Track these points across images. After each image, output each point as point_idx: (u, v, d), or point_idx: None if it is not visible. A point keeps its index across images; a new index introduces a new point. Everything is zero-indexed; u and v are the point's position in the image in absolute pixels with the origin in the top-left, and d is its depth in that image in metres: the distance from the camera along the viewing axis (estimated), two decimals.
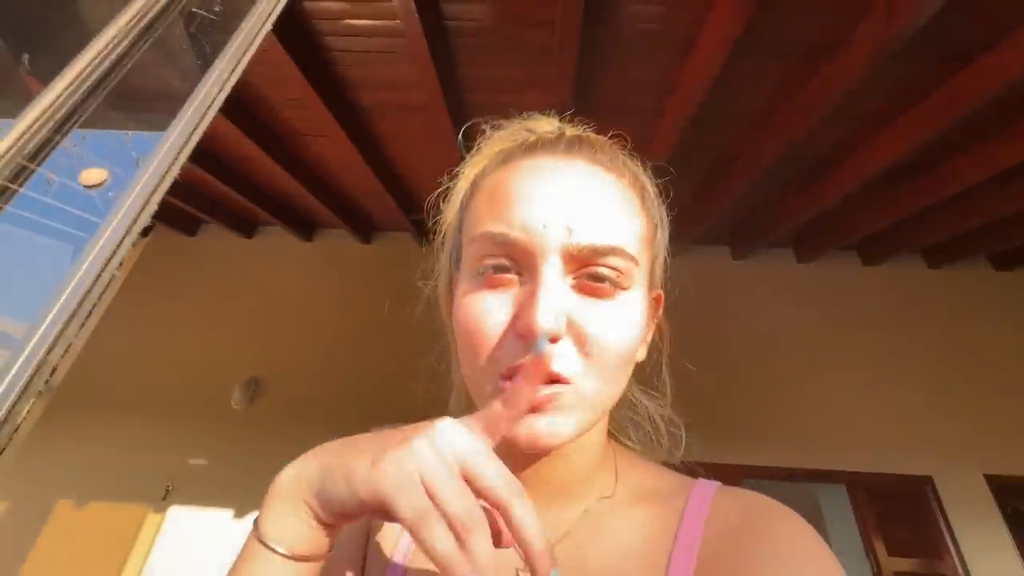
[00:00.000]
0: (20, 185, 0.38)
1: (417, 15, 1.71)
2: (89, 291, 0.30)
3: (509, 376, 0.35)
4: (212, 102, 0.41)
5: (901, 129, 2.10)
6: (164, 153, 0.37)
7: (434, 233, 0.49)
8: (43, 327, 0.27)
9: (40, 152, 0.38)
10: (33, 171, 0.38)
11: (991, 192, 2.48)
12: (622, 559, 0.38)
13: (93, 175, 0.38)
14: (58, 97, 0.40)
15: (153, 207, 0.35)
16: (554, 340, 0.34)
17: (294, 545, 0.30)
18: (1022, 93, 1.81)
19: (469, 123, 0.55)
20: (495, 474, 0.27)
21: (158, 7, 0.45)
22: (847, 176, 2.44)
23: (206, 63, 0.43)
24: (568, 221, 0.35)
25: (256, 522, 0.31)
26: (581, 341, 0.35)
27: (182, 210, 3.49)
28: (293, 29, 1.91)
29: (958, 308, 3.29)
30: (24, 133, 0.39)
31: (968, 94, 1.81)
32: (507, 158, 0.42)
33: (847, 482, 2.79)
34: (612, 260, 0.36)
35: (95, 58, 0.42)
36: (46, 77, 0.40)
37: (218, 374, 3.26)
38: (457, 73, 2.13)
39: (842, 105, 1.93)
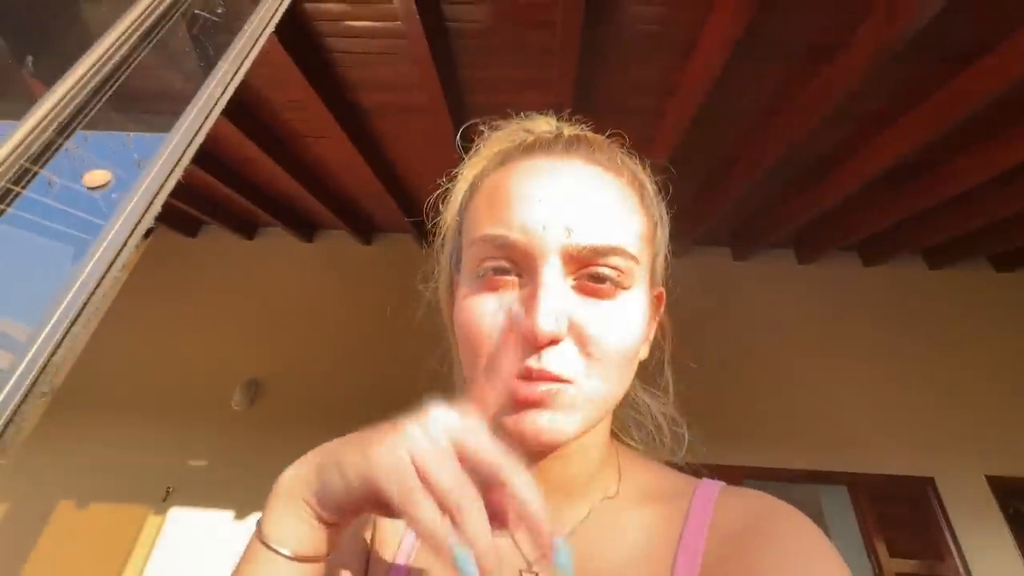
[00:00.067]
0: (24, 187, 0.39)
1: (418, 16, 1.72)
2: (94, 292, 0.30)
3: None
4: (216, 103, 0.41)
5: (902, 130, 2.10)
6: (168, 154, 0.37)
7: (434, 234, 0.49)
8: (48, 327, 0.28)
9: (44, 154, 0.38)
10: (37, 173, 0.38)
11: (991, 193, 2.48)
12: (627, 560, 0.38)
13: (97, 176, 0.38)
14: (61, 99, 0.40)
15: (157, 208, 0.35)
16: (555, 342, 0.34)
17: (297, 546, 0.30)
18: (1022, 94, 1.80)
19: (467, 123, 0.55)
20: (489, 448, 0.27)
21: (161, 9, 0.45)
22: (848, 177, 2.44)
23: (209, 65, 0.43)
24: (567, 222, 0.35)
25: (259, 524, 0.31)
26: (582, 342, 0.35)
27: (183, 211, 3.50)
28: (294, 31, 1.91)
29: (959, 309, 3.29)
30: (28, 135, 0.39)
31: (969, 95, 1.81)
32: (505, 159, 0.42)
33: (848, 483, 2.78)
34: (612, 260, 0.36)
35: (98, 60, 0.42)
36: (50, 79, 0.40)
37: (219, 375, 3.26)
38: (458, 74, 2.13)
39: (843, 106, 1.93)
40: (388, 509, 0.27)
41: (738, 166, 2.51)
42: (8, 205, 0.38)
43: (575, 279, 0.36)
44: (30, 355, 0.26)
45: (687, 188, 2.81)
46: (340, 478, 0.28)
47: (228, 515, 2.87)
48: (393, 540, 0.44)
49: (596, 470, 0.43)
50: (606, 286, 0.36)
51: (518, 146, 0.43)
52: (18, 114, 0.40)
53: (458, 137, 0.53)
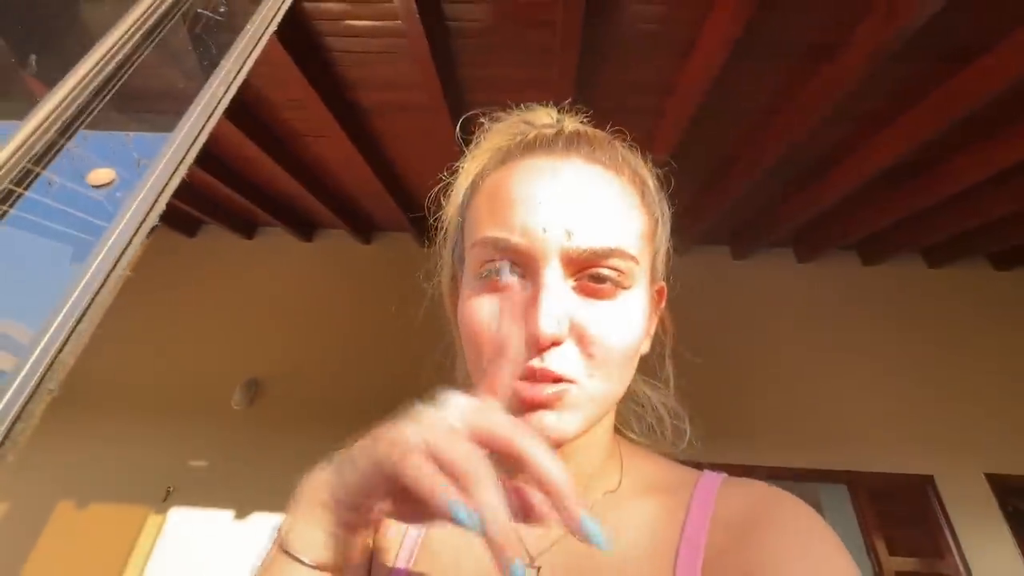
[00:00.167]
0: (26, 188, 0.39)
1: (418, 15, 1.72)
2: (100, 290, 0.30)
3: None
4: (218, 103, 0.41)
5: (901, 129, 2.11)
6: (172, 153, 0.37)
7: (435, 230, 0.50)
8: (56, 324, 0.28)
9: (47, 155, 0.38)
10: (40, 174, 0.38)
11: (990, 192, 2.48)
12: (629, 552, 0.38)
13: (101, 175, 0.38)
14: (64, 100, 0.40)
15: (161, 207, 0.35)
16: (557, 343, 0.34)
17: (318, 554, 0.29)
18: (1020, 93, 1.81)
19: (467, 114, 0.55)
20: (505, 424, 0.26)
21: (163, 9, 0.45)
22: (847, 176, 2.44)
23: (212, 64, 0.43)
24: (567, 224, 0.36)
25: (280, 530, 0.30)
26: (584, 342, 0.35)
27: (182, 211, 3.50)
28: (294, 30, 1.91)
29: (957, 307, 3.29)
30: (30, 136, 0.39)
31: (967, 94, 1.81)
32: (506, 157, 0.42)
33: (848, 481, 2.79)
34: (612, 261, 0.36)
35: (100, 60, 0.42)
36: (52, 80, 0.41)
37: (218, 375, 3.26)
38: (458, 73, 2.13)
39: (842, 105, 1.93)
40: (402, 496, 0.26)
41: (738, 165, 2.51)
42: (11, 206, 0.38)
43: (576, 280, 0.37)
44: (38, 352, 0.26)
45: (687, 187, 2.81)
46: (353, 468, 0.28)
47: (228, 515, 2.87)
48: (395, 543, 0.44)
49: (599, 465, 0.43)
50: (606, 286, 0.36)
51: (519, 144, 0.43)
52: (20, 114, 0.40)
53: (458, 129, 0.53)
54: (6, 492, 2.93)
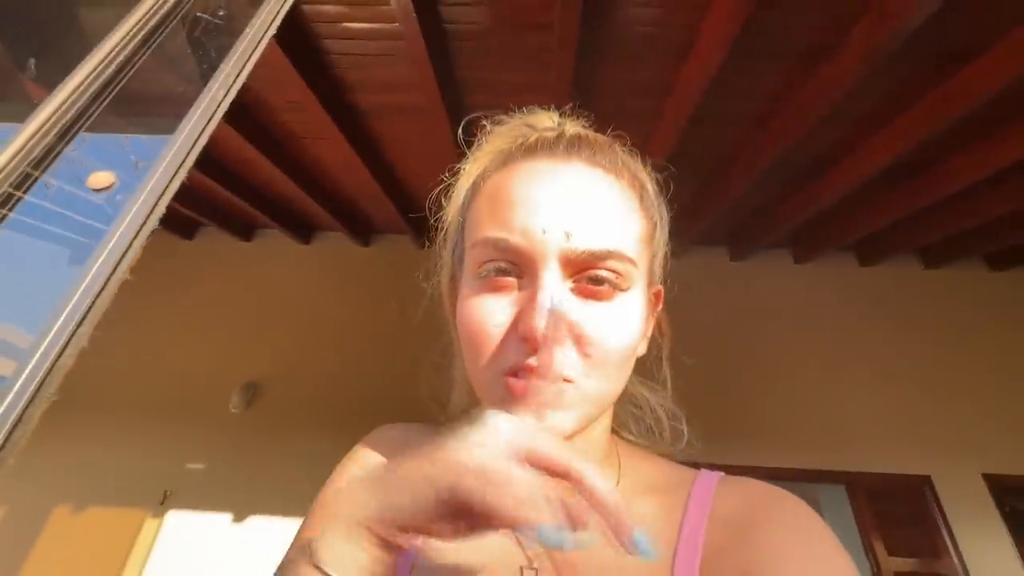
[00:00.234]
0: (25, 192, 0.39)
1: (416, 18, 1.72)
2: (100, 293, 0.30)
3: (511, 374, 0.36)
4: (218, 106, 0.41)
5: (898, 130, 2.12)
6: (172, 156, 0.37)
7: (436, 230, 0.50)
8: (56, 328, 0.28)
9: (46, 159, 0.38)
10: (39, 178, 0.38)
11: (986, 192, 2.50)
12: (625, 556, 0.38)
13: (101, 178, 0.38)
14: (63, 103, 0.41)
15: (161, 211, 0.36)
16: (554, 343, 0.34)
17: (354, 572, 0.28)
18: (1017, 94, 1.82)
19: (469, 117, 0.55)
20: (554, 450, 0.27)
21: (162, 12, 0.46)
22: (844, 177, 2.45)
23: (211, 67, 0.43)
24: (567, 226, 0.36)
25: (309, 546, 0.29)
26: (581, 342, 0.35)
27: (180, 213, 3.49)
28: (292, 32, 1.91)
29: (954, 308, 3.31)
30: (29, 140, 0.39)
31: (964, 95, 1.82)
32: (507, 159, 0.43)
33: (846, 482, 2.80)
34: (610, 263, 0.37)
35: (100, 64, 0.42)
36: (51, 83, 0.41)
37: (216, 378, 3.25)
38: (455, 75, 2.14)
39: (838, 106, 1.94)
40: (461, 517, 0.27)
41: (735, 166, 2.52)
42: (10, 210, 0.38)
43: (574, 281, 0.37)
44: (37, 356, 0.26)
45: (684, 188, 2.81)
46: (411, 492, 0.27)
47: (226, 518, 2.87)
48: None
49: (596, 465, 0.43)
50: (604, 288, 0.37)
51: (520, 146, 0.43)
52: (19, 118, 0.40)
53: (460, 132, 0.53)
54: (2, 497, 2.92)
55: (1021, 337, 3.16)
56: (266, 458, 3.00)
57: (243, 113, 2.42)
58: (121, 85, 0.41)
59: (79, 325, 0.28)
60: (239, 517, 2.87)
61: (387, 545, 0.28)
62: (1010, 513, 2.63)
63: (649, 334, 0.45)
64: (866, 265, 3.47)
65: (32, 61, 0.43)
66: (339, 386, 3.22)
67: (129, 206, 0.34)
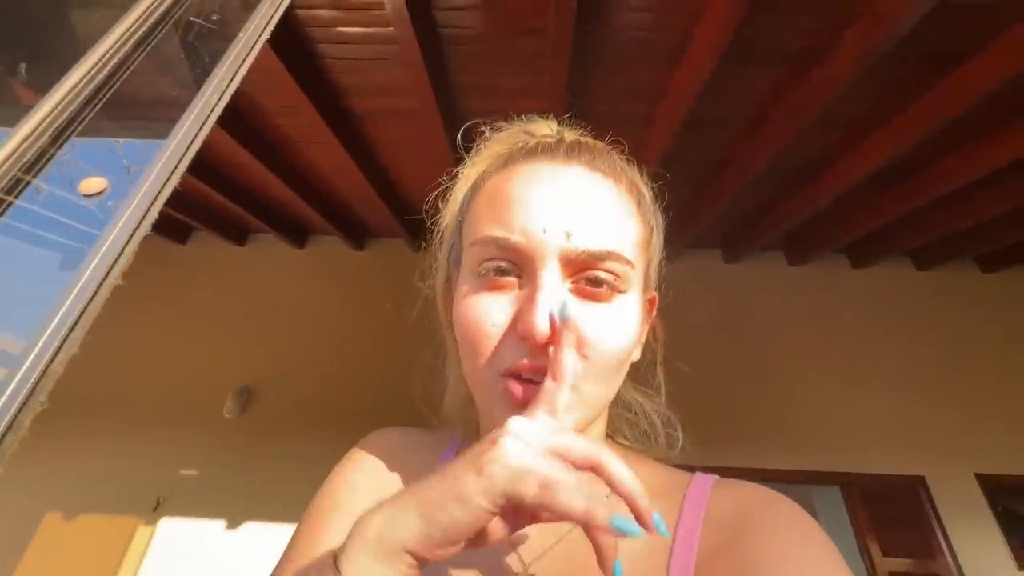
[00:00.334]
0: (16, 197, 0.38)
1: (410, 22, 1.72)
2: (92, 299, 0.30)
3: (509, 374, 0.36)
4: (212, 110, 0.41)
5: (889, 133, 2.14)
6: (164, 161, 0.37)
7: (431, 233, 0.50)
8: (47, 334, 0.27)
9: (38, 163, 0.38)
10: (30, 183, 0.38)
11: (977, 195, 2.52)
12: (623, 556, 0.38)
13: (93, 184, 0.38)
14: (55, 108, 0.40)
15: (154, 216, 0.35)
16: (552, 343, 0.34)
17: None
18: (1008, 96, 1.84)
19: (468, 124, 0.56)
20: (580, 444, 0.29)
21: (155, 17, 0.46)
22: (837, 180, 2.47)
23: (205, 72, 0.43)
24: (567, 226, 0.36)
25: (341, 570, 0.28)
26: (580, 344, 0.35)
27: (173, 218, 3.47)
28: (286, 37, 1.91)
29: (946, 309, 3.34)
30: (21, 144, 0.39)
31: (955, 97, 1.84)
32: (508, 161, 0.43)
33: (841, 483, 2.81)
34: (609, 264, 0.37)
35: (92, 68, 0.42)
36: (43, 87, 0.40)
37: (210, 383, 3.23)
38: (450, 80, 2.14)
39: (831, 109, 1.95)
40: (509, 520, 0.29)
41: (728, 170, 2.53)
42: (1, 215, 0.38)
43: (573, 282, 0.37)
44: (28, 363, 0.26)
45: (678, 192, 2.83)
46: (459, 505, 0.27)
47: (220, 525, 2.84)
48: None
49: None
50: (603, 290, 0.37)
51: (521, 149, 0.44)
52: (11, 122, 0.40)
53: (459, 137, 0.54)
54: None
55: (1013, 338, 3.19)
56: (261, 464, 2.98)
57: (237, 117, 2.41)
58: (114, 89, 0.41)
59: (70, 331, 0.28)
60: (233, 524, 2.85)
61: (423, 564, 0.28)
62: (1003, 513, 2.65)
63: (643, 340, 0.45)
64: (859, 267, 3.50)
65: (23, 65, 0.43)
66: (334, 390, 3.20)
67: (121, 211, 0.34)
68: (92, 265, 0.31)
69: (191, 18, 0.48)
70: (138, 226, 0.33)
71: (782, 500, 0.38)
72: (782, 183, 2.69)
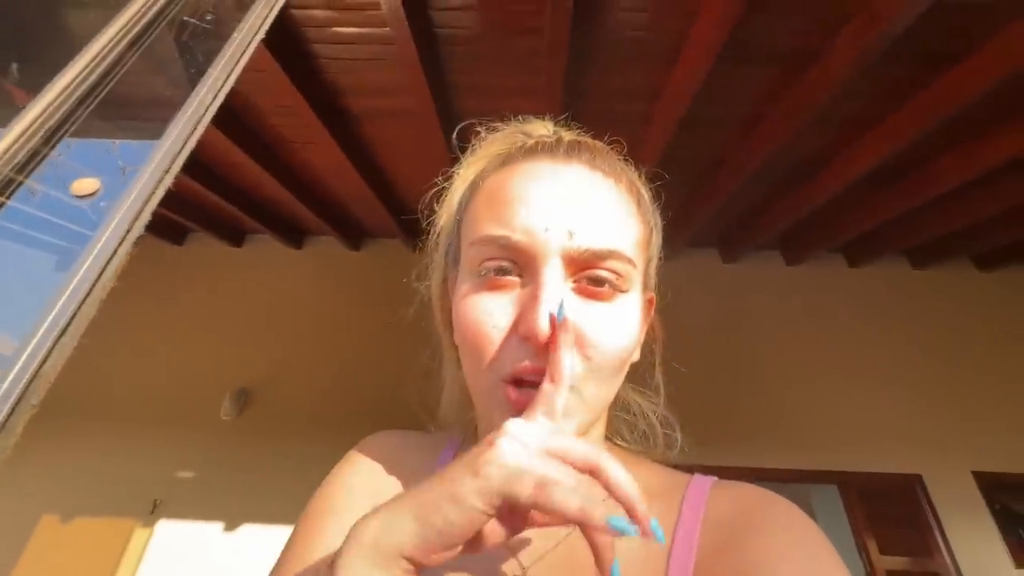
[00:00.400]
0: (8, 198, 0.38)
1: (406, 22, 1.72)
2: (84, 301, 0.29)
3: (512, 380, 0.35)
4: (206, 110, 0.41)
5: (885, 132, 2.14)
6: (158, 162, 0.37)
7: (427, 234, 0.50)
8: (39, 336, 0.27)
9: (29, 164, 0.37)
10: (22, 183, 0.38)
11: (973, 194, 2.53)
12: (622, 559, 0.38)
13: (85, 185, 0.38)
14: (47, 107, 0.40)
15: (147, 217, 0.35)
16: (552, 344, 0.34)
17: None
18: (1003, 95, 1.85)
19: (463, 124, 0.56)
20: (578, 446, 0.29)
21: (149, 16, 0.45)
22: (833, 179, 2.48)
23: (199, 72, 0.43)
24: (569, 225, 0.36)
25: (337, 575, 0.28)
26: (581, 344, 0.35)
27: (169, 219, 3.46)
28: (282, 37, 1.90)
29: (942, 308, 3.35)
30: (12, 145, 0.38)
31: (950, 97, 1.85)
32: (507, 160, 0.43)
33: (838, 482, 2.81)
34: (611, 263, 0.37)
35: (85, 67, 0.41)
36: (35, 87, 0.40)
37: (207, 385, 3.22)
38: (446, 79, 2.14)
39: (827, 109, 1.96)
40: (507, 523, 0.29)
41: (725, 169, 2.54)
42: None
43: (575, 281, 0.37)
44: (20, 364, 0.26)
45: (675, 191, 2.84)
46: (455, 507, 0.27)
47: (217, 527, 2.83)
48: None
49: None
50: (604, 289, 0.37)
51: (520, 148, 0.43)
52: (2, 122, 0.39)
53: (454, 138, 0.53)
54: None
55: (1009, 336, 3.20)
56: (258, 465, 2.97)
57: (233, 117, 2.40)
58: (107, 89, 0.41)
59: (63, 332, 0.28)
60: (231, 526, 2.84)
61: (419, 568, 0.28)
62: (1000, 510, 2.66)
63: (642, 341, 0.45)
64: (855, 266, 3.51)
65: (15, 65, 0.43)
66: (332, 391, 3.19)
67: (114, 212, 0.34)
68: (84, 266, 0.30)
69: (185, 17, 0.48)
70: (131, 227, 0.33)
71: (780, 501, 0.38)
72: (778, 183, 2.70)
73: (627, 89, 2.14)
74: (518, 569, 0.39)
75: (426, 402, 0.54)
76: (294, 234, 3.76)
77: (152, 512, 2.85)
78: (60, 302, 0.28)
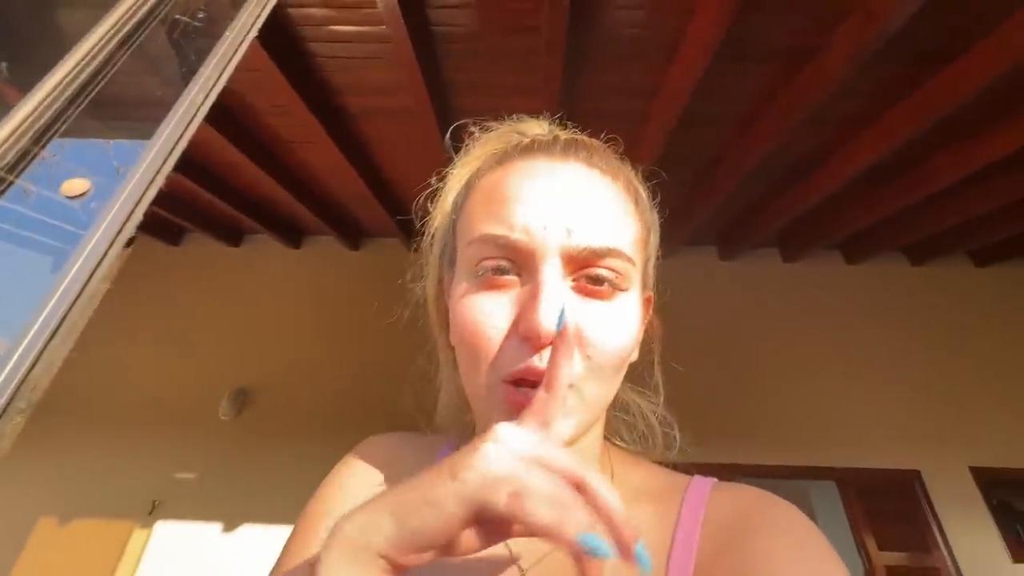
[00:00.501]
0: None
1: (403, 20, 1.71)
2: (74, 304, 0.29)
3: (512, 381, 0.35)
4: (198, 109, 0.40)
5: (882, 129, 2.15)
6: (149, 161, 0.36)
7: (422, 234, 0.49)
8: (27, 340, 0.27)
9: (20, 163, 0.37)
10: (12, 183, 0.37)
11: (970, 190, 2.54)
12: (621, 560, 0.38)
13: (76, 185, 0.37)
14: (38, 106, 0.40)
15: (139, 217, 0.35)
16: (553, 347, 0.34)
17: None
18: (998, 93, 1.85)
19: (457, 123, 0.55)
20: (563, 458, 0.27)
21: (141, 13, 0.45)
22: (830, 176, 2.48)
23: (191, 70, 0.42)
24: (568, 223, 0.36)
25: (317, 573, 0.28)
26: (581, 344, 0.35)
27: (166, 219, 3.45)
28: (277, 35, 1.89)
29: (940, 304, 3.36)
30: (2, 144, 0.38)
31: (945, 95, 1.85)
32: (503, 159, 0.42)
33: (836, 478, 2.82)
34: (610, 262, 0.36)
35: (76, 66, 0.41)
36: (26, 85, 0.40)
37: (205, 385, 3.21)
38: (443, 78, 2.13)
39: (823, 107, 1.96)
40: (486, 529, 0.27)
41: (722, 167, 2.54)
42: None
43: (574, 280, 0.36)
44: (7, 370, 0.25)
45: (673, 189, 2.84)
46: (432, 510, 0.26)
47: (216, 528, 2.83)
48: None
49: None
50: (604, 288, 0.36)
51: (516, 147, 0.43)
52: None
53: (448, 137, 0.53)
54: None
55: (1007, 332, 3.22)
56: (257, 466, 2.97)
57: (229, 117, 2.39)
58: (98, 88, 0.40)
59: (53, 334, 0.28)
60: (230, 527, 2.83)
61: (398, 569, 0.27)
62: (998, 506, 2.67)
63: (640, 340, 0.44)
64: (853, 263, 3.52)
65: (5, 64, 0.42)
66: (331, 391, 3.19)
67: (105, 212, 0.33)
68: (75, 267, 0.30)
69: (177, 16, 0.47)
70: (122, 228, 0.33)
71: (780, 503, 0.37)
72: (776, 180, 2.70)
73: (624, 87, 2.13)
74: (517, 571, 0.39)
75: (423, 406, 0.53)
76: (292, 234, 3.75)
77: (150, 513, 2.84)
78: (51, 303, 0.28)
